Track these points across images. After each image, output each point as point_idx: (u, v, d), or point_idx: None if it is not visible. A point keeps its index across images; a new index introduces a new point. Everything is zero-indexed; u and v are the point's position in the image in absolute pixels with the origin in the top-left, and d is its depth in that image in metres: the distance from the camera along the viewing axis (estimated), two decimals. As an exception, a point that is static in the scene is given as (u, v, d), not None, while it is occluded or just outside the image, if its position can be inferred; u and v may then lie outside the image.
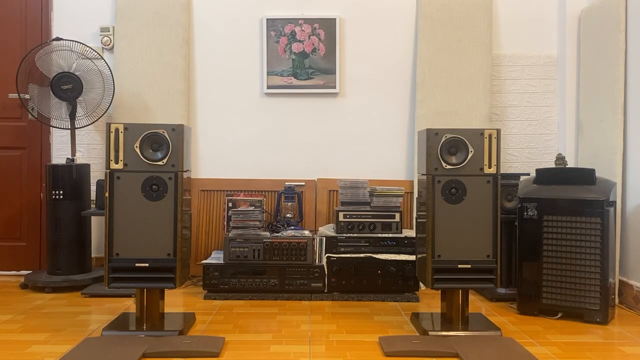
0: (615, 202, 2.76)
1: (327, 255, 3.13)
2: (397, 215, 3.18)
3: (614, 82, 3.11)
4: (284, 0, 3.68)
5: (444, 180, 2.44)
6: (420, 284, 3.12)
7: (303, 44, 3.65)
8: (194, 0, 3.69)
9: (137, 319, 2.49)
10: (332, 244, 3.15)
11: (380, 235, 3.17)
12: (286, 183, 3.46)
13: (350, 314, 2.82)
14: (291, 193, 3.37)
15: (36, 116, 3.49)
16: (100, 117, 3.43)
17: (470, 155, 2.43)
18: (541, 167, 3.25)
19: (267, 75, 3.66)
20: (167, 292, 2.96)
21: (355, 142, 3.70)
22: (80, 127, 3.43)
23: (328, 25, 3.65)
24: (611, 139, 3.11)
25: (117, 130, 2.38)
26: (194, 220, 3.62)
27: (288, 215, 3.38)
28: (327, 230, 3.26)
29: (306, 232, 3.18)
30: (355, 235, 3.16)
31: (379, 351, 2.25)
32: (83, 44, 3.39)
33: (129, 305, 2.95)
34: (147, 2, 3.60)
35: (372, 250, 3.14)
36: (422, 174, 2.51)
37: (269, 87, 3.67)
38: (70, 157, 3.38)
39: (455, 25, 3.60)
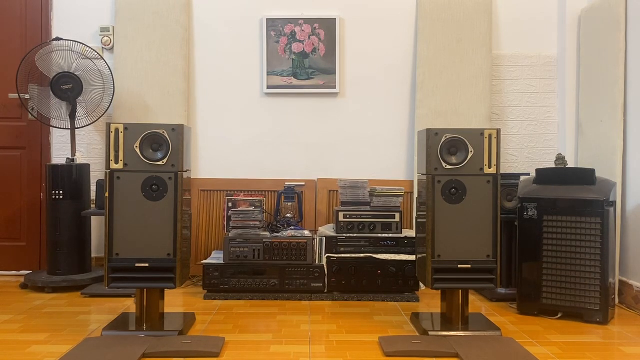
0: (615, 202, 2.76)
1: (327, 255, 3.13)
2: (397, 215, 3.18)
3: (614, 82, 3.11)
4: (284, 0, 3.68)
5: (444, 180, 2.44)
6: (420, 284, 3.12)
7: (303, 44, 3.65)
8: (194, 0, 3.69)
9: (137, 319, 2.49)
10: (332, 244, 3.15)
11: (380, 235, 3.17)
12: (286, 183, 3.46)
13: (350, 314, 2.82)
14: (291, 193, 3.37)
15: (36, 116, 3.49)
16: (100, 117, 3.43)
17: (470, 155, 2.43)
18: (541, 167, 3.25)
19: (267, 75, 3.66)
20: (167, 292, 2.96)
21: (355, 142, 3.70)
22: (80, 127, 3.43)
23: (328, 26, 3.65)
24: (611, 139, 3.11)
25: (117, 130, 2.38)
26: (194, 220, 3.62)
27: (288, 215, 3.38)
28: (327, 230, 3.26)
29: (306, 232, 3.18)
30: (355, 235, 3.16)
31: (379, 351, 2.25)
32: (83, 44, 3.39)
33: (129, 305, 2.95)
34: (147, 2, 3.60)
35: (372, 250, 3.14)
36: (422, 174, 2.51)
37: (269, 87, 3.67)
38: (70, 157, 3.38)
39: (455, 25, 3.60)
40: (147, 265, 2.40)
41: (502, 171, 3.56)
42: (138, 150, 2.39)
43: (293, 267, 3.09)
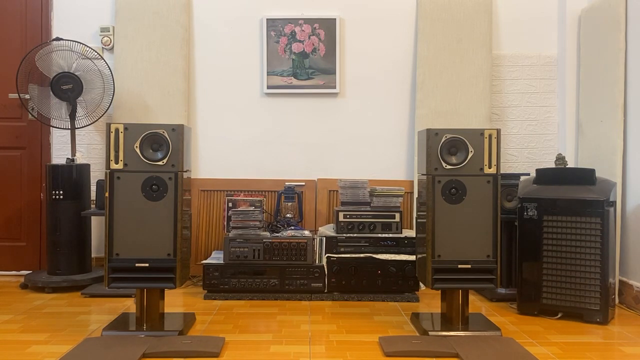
0: (615, 202, 2.76)
1: (327, 255, 3.13)
2: (397, 215, 3.18)
3: (614, 82, 3.11)
4: (284, 0, 3.68)
5: (444, 180, 2.44)
6: (420, 284, 3.12)
7: (303, 44, 3.65)
8: (194, 0, 3.69)
9: (137, 319, 2.49)
10: (332, 244, 3.15)
11: (380, 235, 3.17)
12: (286, 183, 3.46)
13: (350, 314, 2.82)
14: (291, 193, 3.37)
15: (36, 116, 3.49)
16: (100, 117, 3.43)
17: (470, 155, 2.43)
18: (541, 167, 3.25)
19: (267, 75, 3.66)
20: (167, 292, 2.96)
21: (355, 142, 3.70)
22: (80, 127, 3.43)
23: (328, 26, 3.65)
24: (611, 139, 3.11)
25: (117, 130, 2.38)
26: (194, 220, 3.62)
27: (288, 215, 3.38)
28: (327, 230, 3.26)
29: (306, 232, 3.18)
30: (355, 235, 3.16)
31: (379, 351, 2.25)
32: (83, 44, 3.39)
33: (129, 305, 2.95)
34: (147, 2, 3.60)
35: (372, 250, 3.14)
36: (422, 174, 2.51)
37: (269, 87, 3.67)
38: (70, 157, 3.38)
39: (455, 25, 3.60)
40: (147, 265, 2.40)
41: (502, 171, 3.56)
42: (138, 150, 2.39)
43: (293, 267, 3.09)
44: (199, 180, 3.67)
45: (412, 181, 3.65)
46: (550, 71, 3.69)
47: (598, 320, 2.64)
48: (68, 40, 3.37)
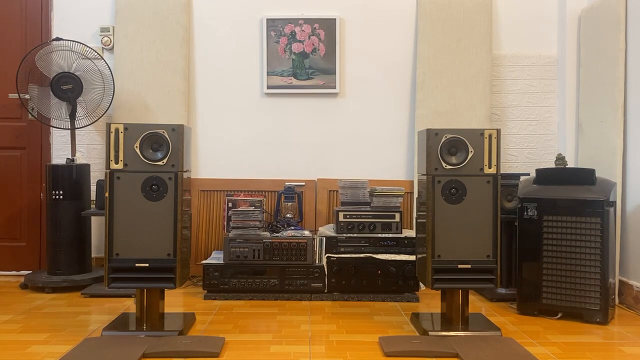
0: (615, 202, 2.76)
1: (327, 255, 3.13)
2: (397, 216, 3.18)
3: (614, 82, 3.11)
4: (284, 0, 3.68)
5: (444, 180, 2.44)
6: (420, 284, 3.12)
7: (303, 44, 3.65)
8: (194, 0, 3.69)
9: (137, 319, 2.49)
10: (332, 244, 3.15)
11: (380, 235, 3.17)
12: (286, 183, 3.46)
13: (350, 314, 2.82)
14: (291, 193, 3.37)
15: (36, 116, 3.49)
16: (100, 117, 3.43)
17: (470, 155, 2.43)
18: (541, 167, 3.25)
19: (267, 75, 3.66)
20: (167, 292, 2.96)
21: (355, 142, 3.70)
22: (80, 127, 3.43)
23: (328, 26, 3.65)
24: (611, 139, 3.11)
25: (117, 130, 2.38)
26: (194, 220, 3.62)
27: (288, 215, 3.38)
28: (327, 230, 3.26)
29: (306, 232, 3.18)
30: (355, 235, 3.16)
31: (379, 351, 2.25)
32: (83, 44, 3.39)
33: (129, 305, 2.95)
34: (147, 2, 3.60)
35: (372, 250, 3.14)
36: (422, 174, 2.51)
37: (269, 87, 3.67)
38: (70, 157, 3.38)
39: (455, 26, 3.60)
40: (147, 265, 2.40)
41: (502, 171, 3.56)
42: (138, 150, 2.39)
43: (293, 267, 3.09)
44: (199, 180, 3.67)
45: (412, 181, 3.65)
46: (550, 71, 3.69)
47: (598, 320, 2.64)
48: (68, 40, 3.37)
